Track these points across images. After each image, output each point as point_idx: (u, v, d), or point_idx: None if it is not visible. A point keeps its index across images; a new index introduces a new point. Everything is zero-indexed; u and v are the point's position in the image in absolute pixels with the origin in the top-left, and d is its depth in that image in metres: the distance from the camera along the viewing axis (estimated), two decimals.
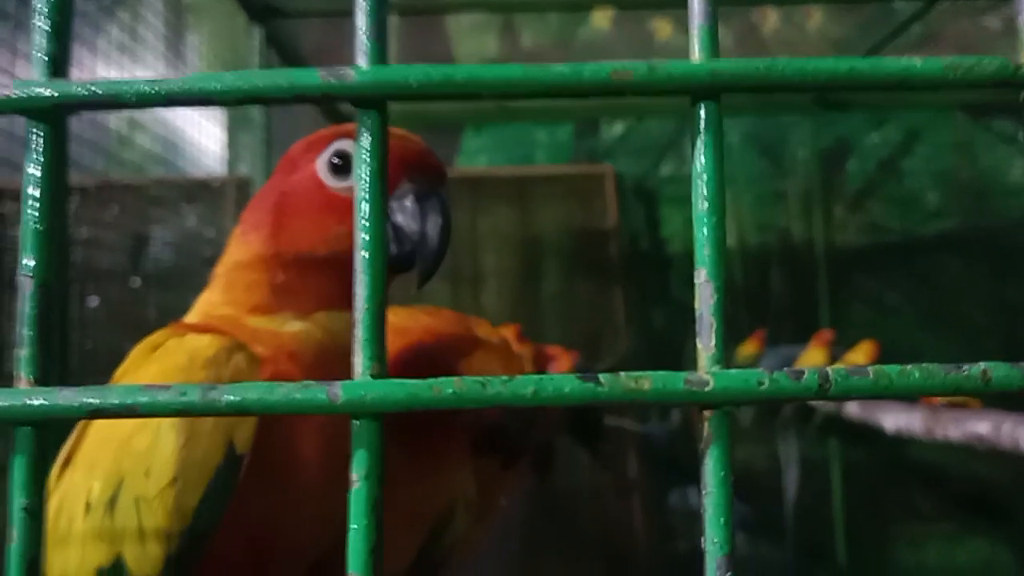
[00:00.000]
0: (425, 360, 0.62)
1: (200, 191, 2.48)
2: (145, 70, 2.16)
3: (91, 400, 0.18)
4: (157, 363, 0.48)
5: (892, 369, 0.19)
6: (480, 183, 2.96)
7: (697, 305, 0.20)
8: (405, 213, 0.51)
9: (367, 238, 0.20)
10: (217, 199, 2.48)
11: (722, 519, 0.19)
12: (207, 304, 0.55)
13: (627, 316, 2.97)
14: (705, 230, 0.20)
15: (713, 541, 0.19)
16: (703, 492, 0.19)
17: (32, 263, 0.19)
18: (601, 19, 2.88)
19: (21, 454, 0.19)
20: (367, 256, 0.19)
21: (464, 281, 2.90)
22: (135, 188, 2.32)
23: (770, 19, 2.87)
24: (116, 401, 0.19)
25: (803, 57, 0.20)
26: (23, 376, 0.19)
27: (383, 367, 0.20)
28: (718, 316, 0.19)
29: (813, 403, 2.35)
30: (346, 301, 0.54)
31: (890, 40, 2.29)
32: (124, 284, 2.13)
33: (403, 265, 0.52)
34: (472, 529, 0.69)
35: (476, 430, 0.60)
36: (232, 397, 0.19)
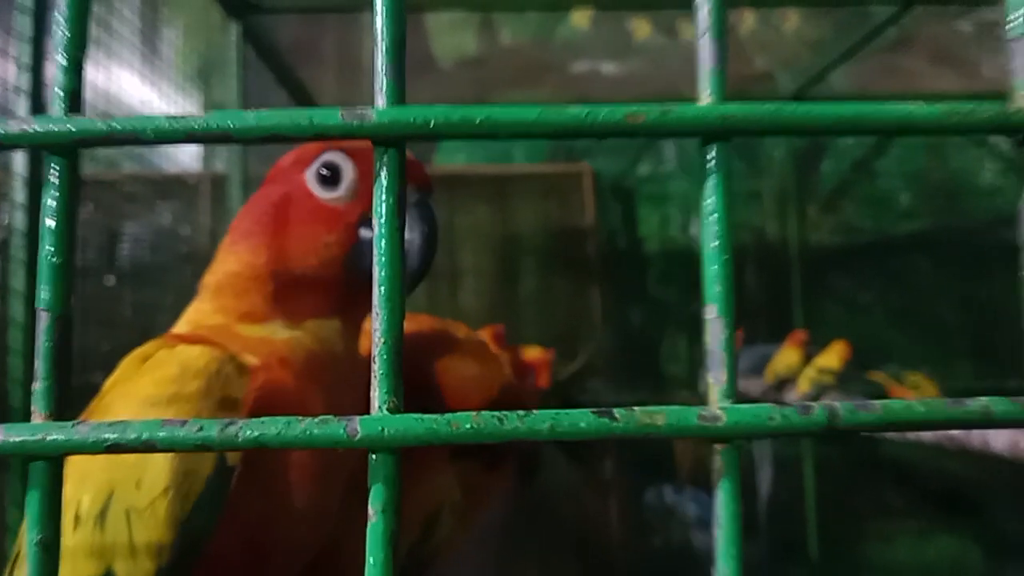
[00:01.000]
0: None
1: (175, 187, 2.46)
2: (120, 65, 2.13)
3: (108, 435, 0.19)
4: (148, 374, 0.47)
5: (898, 404, 0.19)
6: (458, 181, 2.96)
7: (708, 341, 0.20)
8: None
9: (384, 273, 0.20)
10: (192, 195, 2.46)
11: (733, 551, 0.19)
12: (197, 313, 0.55)
13: (604, 314, 2.99)
14: (715, 267, 0.20)
15: (724, 573, 0.19)
16: (715, 524, 0.20)
17: (48, 296, 0.19)
18: (580, 18, 2.89)
19: (35, 488, 0.19)
20: (384, 291, 0.20)
21: (442, 279, 2.90)
22: (108, 183, 2.29)
23: (747, 20, 2.89)
24: (134, 436, 0.19)
25: (810, 101, 0.20)
26: (38, 410, 0.19)
27: (400, 401, 0.20)
28: (728, 351, 0.20)
29: (788, 403, 2.38)
30: (335, 309, 0.55)
31: (866, 43, 2.32)
32: (98, 281, 2.10)
33: None
34: (457, 531, 0.69)
35: None
36: (251, 432, 0.19)
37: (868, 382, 2.29)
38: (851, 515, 2.74)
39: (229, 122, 0.20)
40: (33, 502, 0.18)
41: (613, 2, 2.43)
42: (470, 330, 0.65)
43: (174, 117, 0.20)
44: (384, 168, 0.20)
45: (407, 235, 0.53)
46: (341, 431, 0.19)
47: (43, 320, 0.19)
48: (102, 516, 0.44)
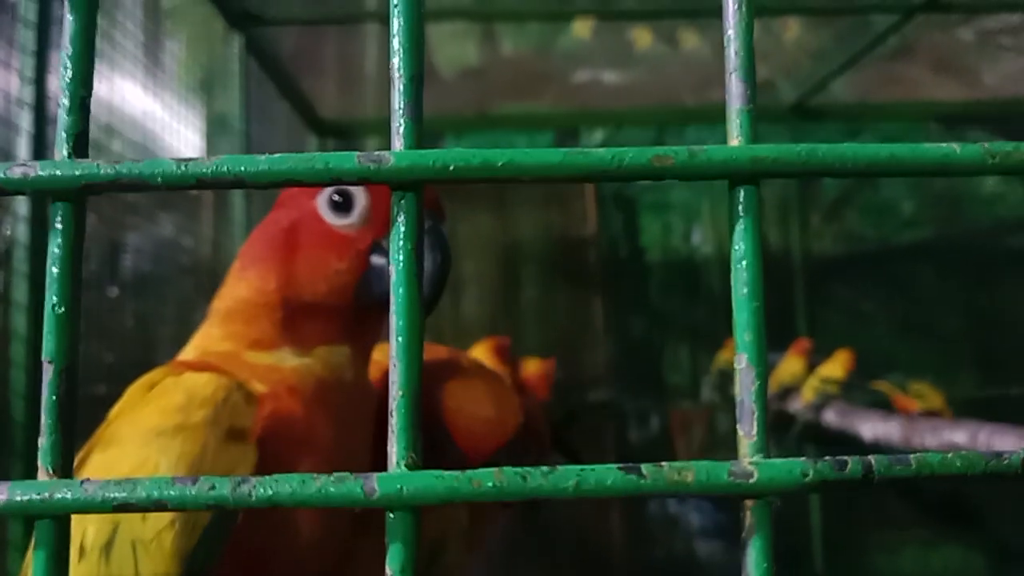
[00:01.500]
0: None
1: (177, 199, 2.45)
2: (123, 76, 2.13)
3: (117, 494, 0.18)
4: (154, 403, 0.47)
5: (934, 458, 0.19)
6: (460, 190, 2.95)
7: (738, 391, 0.20)
8: None
9: (403, 323, 0.19)
10: (194, 207, 2.45)
11: None
12: (205, 339, 0.55)
13: (606, 324, 2.98)
14: (746, 315, 0.20)
15: None
16: None
17: (53, 347, 0.18)
18: (581, 28, 2.89)
19: (42, 548, 0.18)
20: (402, 341, 0.19)
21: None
22: (112, 199, 2.29)
23: None
24: (143, 495, 0.18)
25: (844, 144, 0.20)
26: (44, 467, 0.18)
27: (419, 457, 0.19)
28: (760, 403, 0.19)
29: (792, 411, 2.37)
30: (345, 336, 0.54)
31: (867, 52, 2.32)
32: (100, 293, 2.09)
33: None
34: (464, 558, 0.68)
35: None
36: (265, 491, 0.18)
37: (872, 391, 2.28)
38: (855, 525, 2.73)
39: (241, 167, 0.19)
40: (39, 562, 0.18)
41: (614, 12, 2.44)
42: (482, 363, 0.63)
43: (183, 161, 0.19)
44: (402, 213, 0.19)
45: None
46: (358, 489, 0.18)
47: (48, 372, 0.18)
48: (107, 548, 0.43)
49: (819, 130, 2.94)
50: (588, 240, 3.03)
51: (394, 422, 0.19)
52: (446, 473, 0.19)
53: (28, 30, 1.25)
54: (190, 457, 0.43)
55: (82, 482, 0.18)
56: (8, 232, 1.34)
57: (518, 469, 0.18)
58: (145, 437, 0.44)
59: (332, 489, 0.18)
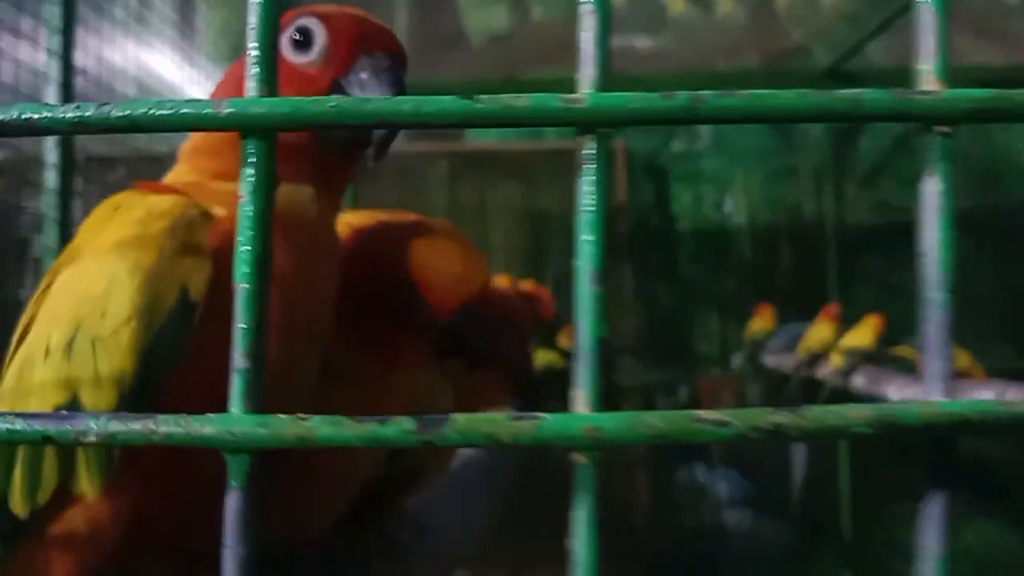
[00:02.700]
0: (376, 242, 0.61)
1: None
2: (155, 36, 2.18)
3: (73, 114, 0.19)
4: (116, 218, 0.49)
5: (762, 92, 0.19)
6: (488, 158, 2.96)
7: (579, 33, 0.20)
8: (361, 87, 0.52)
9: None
10: None
11: (599, 239, 0.19)
12: (174, 174, 0.57)
13: (635, 292, 2.97)
14: None
15: (589, 257, 0.19)
16: (579, 216, 0.20)
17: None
18: None
19: None
20: None
21: None
22: (147, 158, 2.36)
23: None
24: (16, 114, 0.19)
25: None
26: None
27: (274, 89, 0.20)
28: (601, 44, 0.20)
29: (821, 377, 2.34)
30: (307, 175, 0.55)
31: (902, 14, 2.27)
32: None
33: (361, 142, 0.53)
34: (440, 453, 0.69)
35: (435, 331, 0.59)
36: (121, 112, 0.20)
37: (896, 358, 2.23)
38: (885, 497, 2.69)
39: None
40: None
41: None
42: (451, 225, 0.64)
43: None
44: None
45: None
46: (209, 109, 0.19)
47: None
48: (69, 348, 0.45)
49: None
50: (618, 209, 3.02)
51: (252, 54, 0.19)
52: (292, 99, 0.19)
53: (54, 6, 1.28)
54: (146, 265, 0.45)
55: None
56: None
57: (362, 98, 0.19)
58: (106, 249, 0.46)
59: (185, 109, 0.19)
